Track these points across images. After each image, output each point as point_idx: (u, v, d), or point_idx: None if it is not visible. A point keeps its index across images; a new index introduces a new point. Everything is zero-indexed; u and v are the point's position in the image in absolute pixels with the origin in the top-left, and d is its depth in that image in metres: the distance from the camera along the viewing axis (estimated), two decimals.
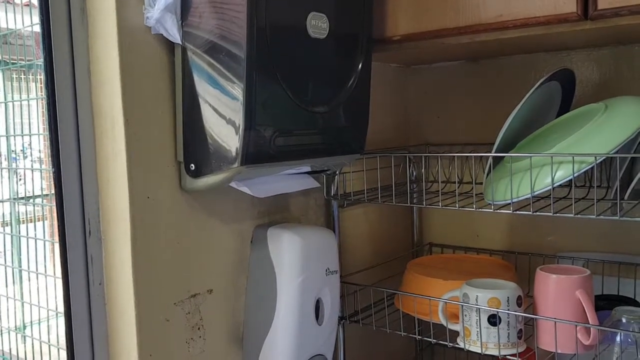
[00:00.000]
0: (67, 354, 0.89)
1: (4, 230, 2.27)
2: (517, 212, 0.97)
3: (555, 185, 0.92)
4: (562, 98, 1.16)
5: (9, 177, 2.25)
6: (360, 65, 1.01)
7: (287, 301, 0.99)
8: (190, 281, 0.95)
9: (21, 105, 2.18)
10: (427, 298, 1.08)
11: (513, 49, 1.23)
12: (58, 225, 0.87)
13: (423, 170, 1.24)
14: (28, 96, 2.23)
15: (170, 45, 0.89)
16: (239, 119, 0.84)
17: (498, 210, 1.00)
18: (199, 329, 0.97)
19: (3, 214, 2.30)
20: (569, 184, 0.93)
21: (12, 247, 2.27)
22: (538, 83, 1.04)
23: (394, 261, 1.36)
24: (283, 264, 0.99)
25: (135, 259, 0.87)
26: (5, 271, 2.24)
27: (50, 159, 0.87)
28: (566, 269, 1.01)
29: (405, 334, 1.11)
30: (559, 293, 0.98)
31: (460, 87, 1.41)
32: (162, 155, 0.90)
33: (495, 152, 1.03)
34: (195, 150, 0.90)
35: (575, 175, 0.90)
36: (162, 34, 0.87)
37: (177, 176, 0.92)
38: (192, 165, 0.90)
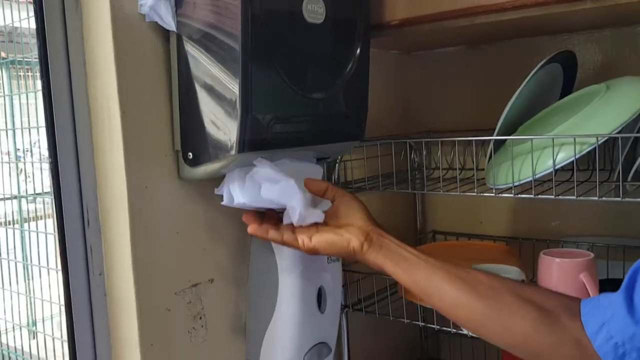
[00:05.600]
0: (69, 344, 0.89)
1: (13, 227, 2.29)
2: (519, 195, 0.96)
3: (557, 167, 0.91)
4: (564, 80, 1.15)
5: (17, 175, 2.27)
6: (358, 51, 0.99)
7: (288, 289, 0.98)
8: (191, 270, 0.95)
9: (28, 103, 2.19)
10: None
11: (513, 33, 1.22)
12: (57, 217, 0.87)
13: (424, 156, 1.23)
14: (33, 89, 2.23)
15: (165, 33, 0.89)
16: (235, 106, 0.83)
17: (500, 195, 0.99)
18: (200, 318, 0.97)
19: (12, 211, 2.31)
20: (571, 167, 0.92)
21: (21, 244, 2.28)
22: (539, 65, 1.02)
23: None
24: (284, 252, 0.98)
25: (134, 248, 0.87)
26: (16, 267, 2.26)
27: (47, 150, 0.87)
28: (569, 253, 1.00)
29: (408, 321, 1.10)
30: (563, 277, 0.97)
31: (461, 72, 1.40)
32: (159, 144, 0.90)
33: (497, 136, 1.02)
34: (193, 138, 0.89)
35: (577, 157, 0.89)
36: (156, 22, 0.86)
37: (175, 165, 0.92)
38: (190, 153, 0.90)
